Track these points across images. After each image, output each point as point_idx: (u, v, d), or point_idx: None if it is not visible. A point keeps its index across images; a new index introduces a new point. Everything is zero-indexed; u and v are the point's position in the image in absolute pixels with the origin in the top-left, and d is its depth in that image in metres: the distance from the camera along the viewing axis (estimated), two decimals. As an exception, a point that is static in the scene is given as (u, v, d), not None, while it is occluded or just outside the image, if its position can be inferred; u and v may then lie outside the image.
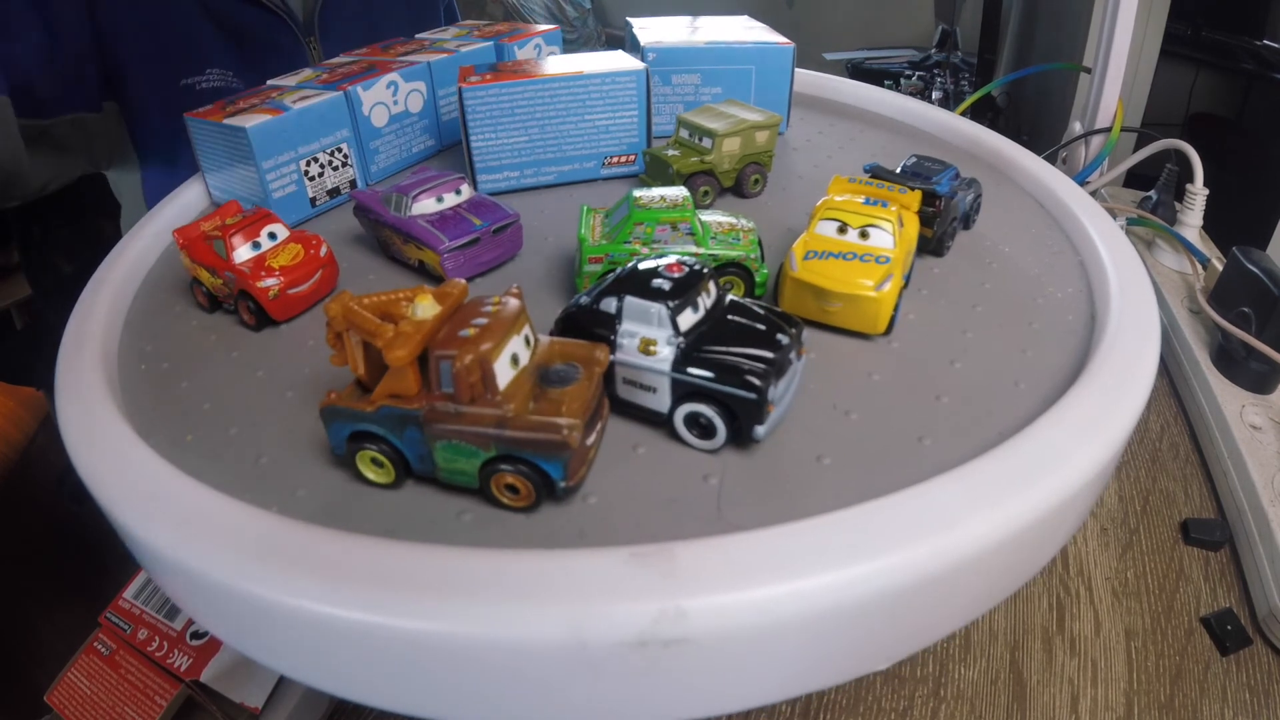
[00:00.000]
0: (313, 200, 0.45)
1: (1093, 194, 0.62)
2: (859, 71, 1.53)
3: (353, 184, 0.47)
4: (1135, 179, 0.79)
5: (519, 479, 0.24)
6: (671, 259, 0.29)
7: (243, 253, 0.36)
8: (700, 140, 0.44)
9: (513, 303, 0.26)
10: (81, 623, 0.40)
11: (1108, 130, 0.76)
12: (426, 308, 0.25)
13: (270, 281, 0.35)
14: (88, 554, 0.53)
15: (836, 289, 0.32)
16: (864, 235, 0.34)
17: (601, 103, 0.46)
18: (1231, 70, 1.14)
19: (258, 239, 0.36)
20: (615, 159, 0.48)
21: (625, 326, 0.28)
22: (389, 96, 0.48)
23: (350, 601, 0.21)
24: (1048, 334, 0.34)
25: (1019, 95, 1.18)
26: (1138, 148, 0.74)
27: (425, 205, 0.38)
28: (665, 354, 0.27)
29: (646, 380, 0.27)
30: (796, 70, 0.54)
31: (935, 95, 1.35)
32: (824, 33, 1.82)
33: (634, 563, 0.22)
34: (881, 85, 0.64)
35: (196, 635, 0.38)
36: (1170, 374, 0.61)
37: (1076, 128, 0.80)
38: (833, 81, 0.63)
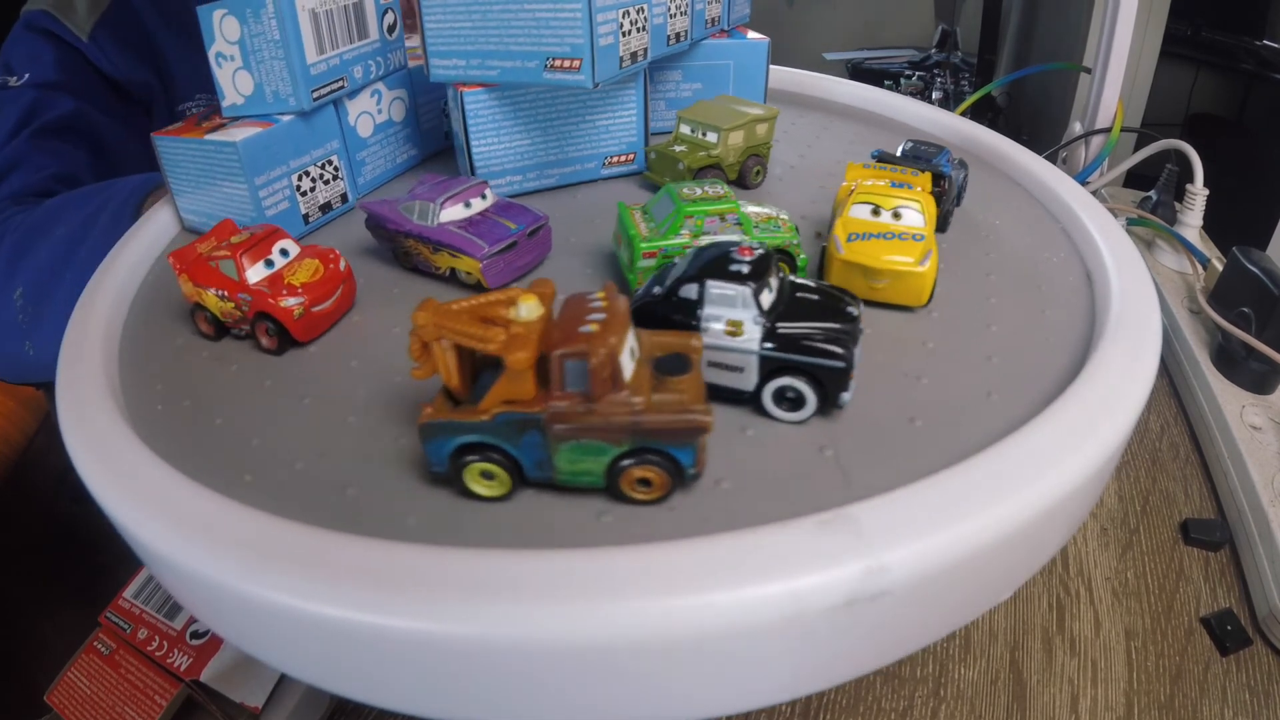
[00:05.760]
0: (305, 217, 0.43)
1: (1093, 194, 0.62)
2: (859, 71, 1.52)
3: (343, 198, 0.46)
4: (1135, 179, 0.79)
5: (652, 470, 0.24)
6: (741, 243, 0.30)
7: (256, 272, 0.33)
8: (705, 135, 0.45)
9: (621, 297, 0.25)
10: (81, 622, 0.40)
11: (1108, 130, 0.76)
12: (531, 308, 0.24)
13: (293, 300, 0.33)
14: (88, 554, 0.53)
15: (884, 267, 0.34)
16: (896, 216, 0.36)
17: (602, 103, 0.46)
18: (1231, 70, 1.14)
19: (270, 256, 0.34)
20: (615, 158, 0.48)
21: (709, 311, 0.28)
22: (373, 106, 0.46)
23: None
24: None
25: (1019, 95, 1.18)
26: (1138, 148, 0.74)
27: (453, 212, 0.37)
28: (753, 333, 0.28)
29: (733, 361, 0.28)
30: (794, 70, 0.54)
31: (935, 95, 1.34)
32: (824, 33, 1.81)
33: (820, 531, 0.22)
34: (881, 85, 0.64)
35: (196, 635, 0.38)
36: (1170, 374, 0.61)
37: (1076, 128, 0.80)
38: (829, 81, 0.63)
